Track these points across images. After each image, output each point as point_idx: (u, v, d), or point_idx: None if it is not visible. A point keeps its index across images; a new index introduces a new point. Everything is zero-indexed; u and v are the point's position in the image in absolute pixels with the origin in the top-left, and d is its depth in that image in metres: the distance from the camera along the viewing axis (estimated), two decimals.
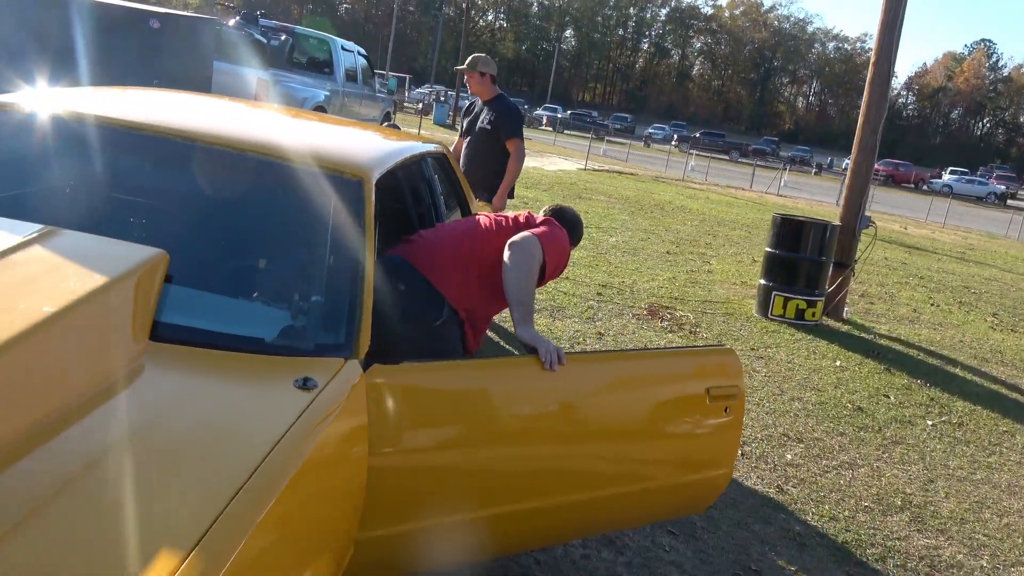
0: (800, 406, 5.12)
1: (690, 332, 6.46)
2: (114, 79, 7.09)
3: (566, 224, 3.03)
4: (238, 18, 10.51)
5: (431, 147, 3.51)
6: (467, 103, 5.96)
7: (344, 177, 2.42)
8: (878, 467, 4.40)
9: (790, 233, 7.23)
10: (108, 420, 1.61)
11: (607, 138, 40.55)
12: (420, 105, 43.96)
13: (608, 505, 2.59)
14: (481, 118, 5.44)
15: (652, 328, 6.40)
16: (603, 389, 2.51)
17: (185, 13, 8.24)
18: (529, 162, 21.54)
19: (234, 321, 2.08)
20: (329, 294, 2.19)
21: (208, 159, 2.37)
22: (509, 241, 2.61)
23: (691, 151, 38.35)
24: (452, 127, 33.88)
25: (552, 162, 23.14)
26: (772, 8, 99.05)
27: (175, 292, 2.09)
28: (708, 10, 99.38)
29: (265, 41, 10.25)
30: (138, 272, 1.86)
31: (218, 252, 2.31)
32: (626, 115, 66.09)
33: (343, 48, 12.22)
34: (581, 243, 9.78)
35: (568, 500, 2.48)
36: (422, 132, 24.61)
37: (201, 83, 8.16)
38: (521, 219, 2.92)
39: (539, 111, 58.20)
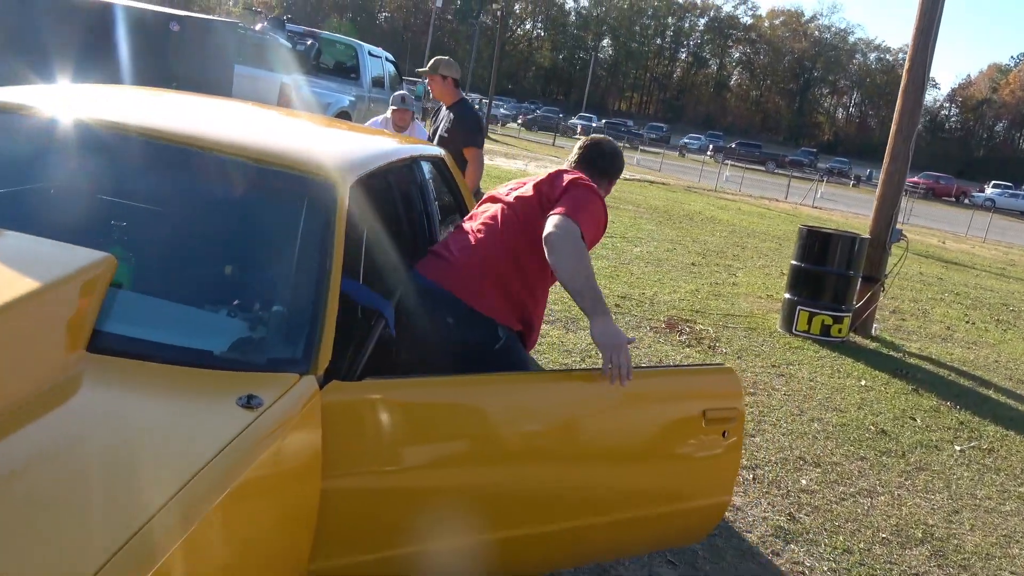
0: (820, 427, 4.89)
1: (709, 347, 6.25)
2: (133, 81, 7.09)
3: (603, 163, 2.87)
4: (264, 23, 10.51)
5: (427, 150, 3.37)
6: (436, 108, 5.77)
7: (315, 180, 2.28)
8: (899, 495, 4.16)
9: (817, 245, 6.98)
10: (23, 438, 1.48)
11: (641, 147, 40.32)
12: None
13: (597, 534, 2.42)
14: (442, 125, 5.25)
15: (669, 342, 6.20)
16: (588, 410, 2.34)
17: (205, 16, 8.21)
18: None
19: (184, 332, 1.95)
20: (288, 304, 2.05)
21: (167, 157, 2.25)
22: (544, 236, 2.42)
23: (726, 161, 37.93)
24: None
25: None
26: (813, 18, 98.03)
27: (124, 299, 1.97)
28: (747, 20, 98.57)
29: (290, 46, 10.22)
30: (77, 277, 1.73)
31: (174, 257, 2.18)
32: (661, 125, 65.60)
33: (370, 54, 12.18)
34: (603, 252, 9.71)
35: (552, 529, 2.31)
36: None
37: (222, 86, 8.13)
38: (544, 187, 2.71)
39: (574, 120, 58.04)
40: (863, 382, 5.99)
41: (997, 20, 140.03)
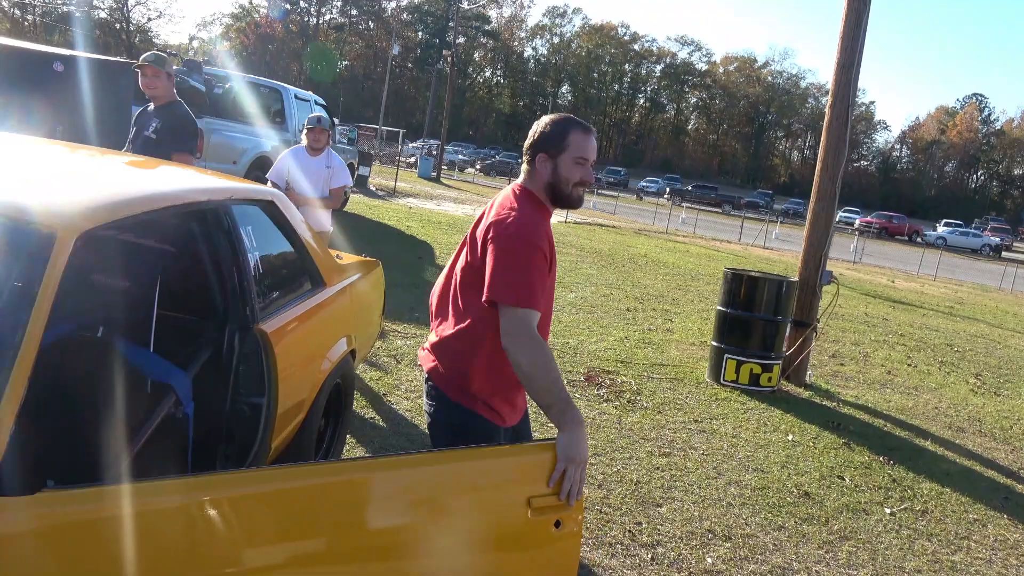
0: (736, 492, 4.43)
1: (628, 401, 5.79)
2: (14, 124, 6.56)
3: (541, 142, 2.35)
4: (178, 66, 10.05)
5: (241, 191, 2.89)
6: (138, 110, 4.91)
7: (30, 229, 1.81)
8: (817, 571, 3.70)
9: (743, 289, 6.59)
10: None
11: (598, 191, 40.28)
12: (413, 159, 43.84)
13: None
14: (148, 127, 4.56)
15: (586, 396, 5.74)
16: (369, 509, 1.85)
17: (93, 55, 7.74)
18: None
19: None
20: None
21: None
22: (502, 332, 2.12)
23: (682, 204, 37.98)
24: (437, 180, 33.62)
25: None
26: (766, 64, 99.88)
27: None
28: (703, 66, 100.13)
29: (204, 89, 9.76)
30: None
31: None
32: (619, 168, 66.03)
33: (297, 97, 11.75)
34: None
35: None
36: (400, 184, 24.27)
37: (117, 129, 7.64)
38: (473, 254, 2.31)
39: None
40: (790, 436, 5.55)
41: (943, 61, 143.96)
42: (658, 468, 4.58)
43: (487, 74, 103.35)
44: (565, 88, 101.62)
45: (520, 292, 2.13)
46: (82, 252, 1.89)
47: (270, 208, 3.01)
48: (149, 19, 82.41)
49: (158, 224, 2.31)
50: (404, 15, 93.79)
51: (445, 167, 44.37)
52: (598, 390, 5.95)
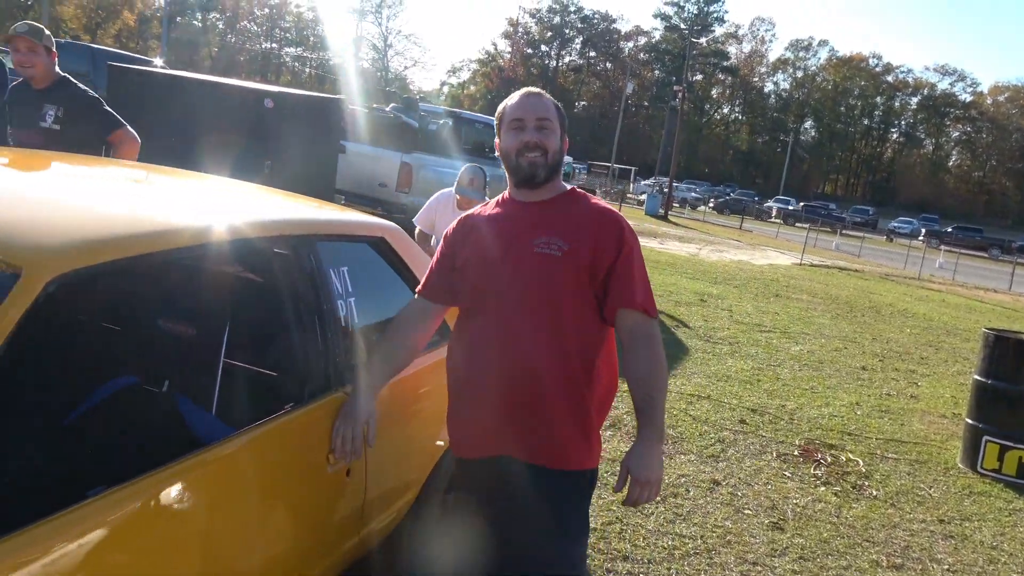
0: None
1: (853, 486, 4.75)
2: (228, 159, 6.75)
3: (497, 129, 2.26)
4: (393, 104, 10.23)
5: (339, 223, 2.41)
6: (9, 89, 4.04)
7: None
8: None
9: (1009, 356, 5.29)
10: None
11: (841, 231, 37.38)
12: (643, 196, 43.22)
13: None
14: (40, 116, 3.69)
15: (797, 476, 4.78)
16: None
17: (305, 92, 7.90)
18: (736, 255, 19.80)
19: None
20: None
21: None
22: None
23: (939, 246, 34.26)
24: (664, 217, 32.74)
25: (764, 255, 21.21)
26: None
27: None
28: (967, 97, 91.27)
29: (416, 125, 9.80)
30: None
31: None
32: (867, 208, 61.23)
33: None
34: (751, 351, 8.27)
35: None
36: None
37: (326, 163, 7.72)
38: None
39: (770, 203, 55.50)
40: None
41: None
42: None
43: (724, 111, 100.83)
44: (808, 124, 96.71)
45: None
46: (65, 297, 1.45)
47: (381, 245, 2.53)
48: (405, 68, 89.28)
49: (198, 264, 1.87)
50: (641, 54, 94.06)
51: (676, 205, 43.32)
52: (815, 469, 4.95)
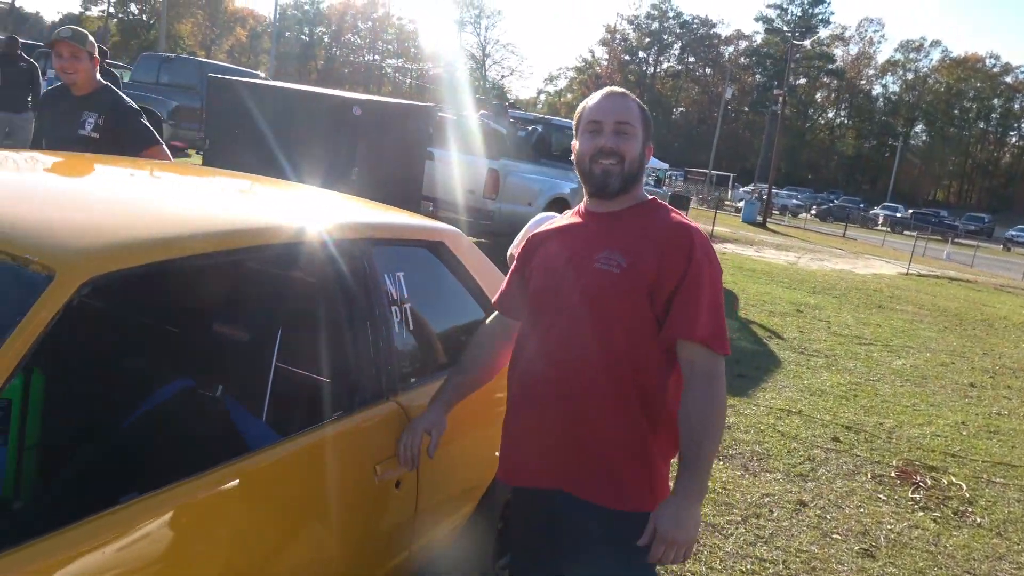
0: None
1: (955, 512, 4.44)
2: (316, 166, 6.89)
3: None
4: (483, 111, 10.24)
5: (395, 226, 2.37)
6: (44, 94, 3.98)
7: (24, 268, 1.43)
8: None
9: None
10: None
11: (953, 239, 35.56)
12: (742, 203, 42.17)
13: None
14: (80, 123, 3.54)
15: (893, 499, 4.49)
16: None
17: (392, 100, 7.98)
18: (837, 264, 19.03)
19: None
20: None
21: None
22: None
23: None
24: (763, 225, 31.87)
25: (868, 264, 20.33)
26: None
27: None
28: None
29: (505, 131, 9.78)
30: None
31: None
32: (983, 215, 58.06)
33: None
34: (848, 365, 7.89)
35: None
36: (720, 229, 23.15)
37: (413, 170, 7.78)
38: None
39: (876, 210, 53.40)
40: None
41: None
42: None
43: (829, 115, 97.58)
44: (919, 127, 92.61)
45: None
46: (99, 299, 1.45)
47: (440, 250, 2.47)
48: (503, 76, 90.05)
49: (216, 264, 1.84)
50: (742, 59, 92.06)
51: (776, 212, 42.13)
52: (914, 492, 4.65)
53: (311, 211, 2.28)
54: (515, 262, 2.15)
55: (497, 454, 2.14)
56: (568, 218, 2.09)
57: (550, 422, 1.92)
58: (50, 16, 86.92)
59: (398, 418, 2.14)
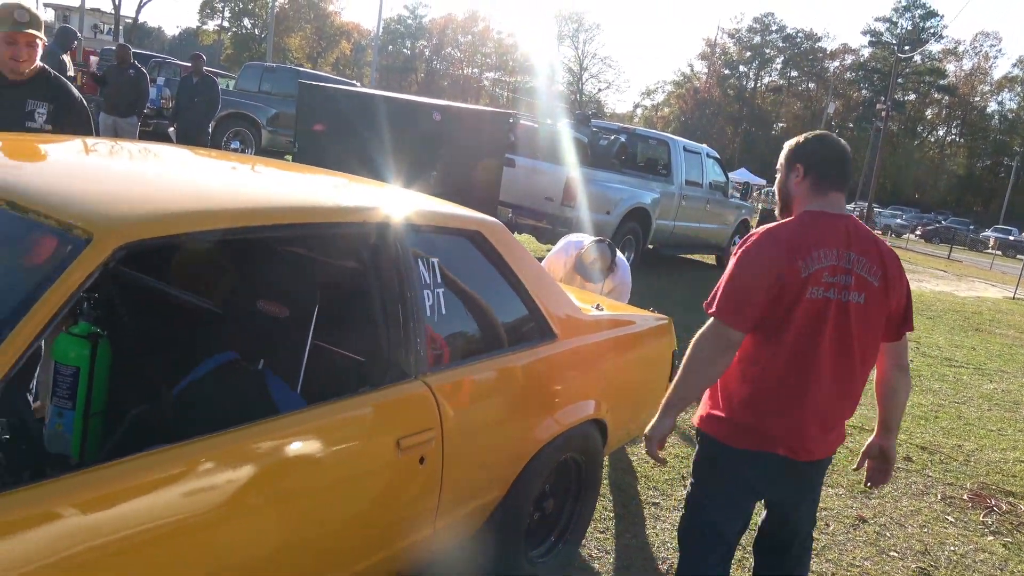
0: None
1: None
2: (401, 166, 7.11)
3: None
4: (565, 119, 10.32)
5: (431, 214, 2.46)
6: None
7: (66, 232, 1.58)
8: None
9: None
10: None
11: None
12: None
13: None
14: (27, 114, 3.10)
15: (961, 522, 4.32)
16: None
17: (472, 107, 8.14)
18: (936, 286, 18.26)
19: None
20: None
21: None
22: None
23: None
24: None
25: (971, 287, 19.43)
26: None
27: None
28: None
29: (586, 140, 9.83)
30: None
31: None
32: None
33: (686, 150, 11.36)
34: (935, 386, 7.57)
35: None
36: None
37: (491, 175, 7.93)
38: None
39: (987, 232, 50.89)
40: None
41: None
42: None
43: (940, 132, 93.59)
44: None
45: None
46: (127, 264, 1.59)
47: (477, 239, 2.55)
48: (599, 90, 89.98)
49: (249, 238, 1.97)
50: (847, 74, 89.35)
51: (878, 231, 40.70)
52: (985, 516, 4.46)
53: (344, 194, 2.40)
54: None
55: (537, 437, 2.20)
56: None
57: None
58: (171, 31, 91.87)
59: (424, 398, 2.22)
